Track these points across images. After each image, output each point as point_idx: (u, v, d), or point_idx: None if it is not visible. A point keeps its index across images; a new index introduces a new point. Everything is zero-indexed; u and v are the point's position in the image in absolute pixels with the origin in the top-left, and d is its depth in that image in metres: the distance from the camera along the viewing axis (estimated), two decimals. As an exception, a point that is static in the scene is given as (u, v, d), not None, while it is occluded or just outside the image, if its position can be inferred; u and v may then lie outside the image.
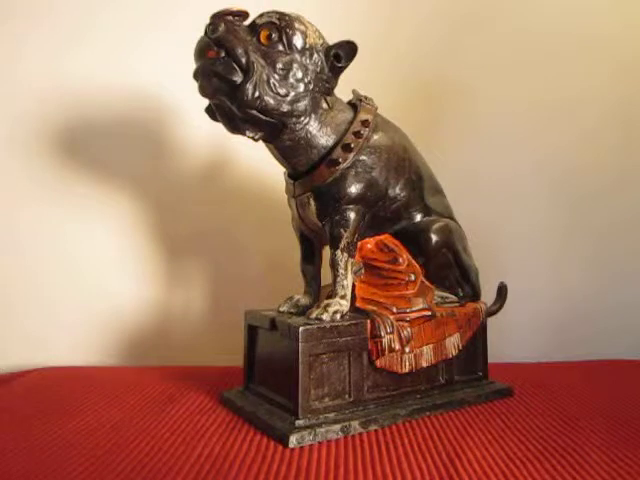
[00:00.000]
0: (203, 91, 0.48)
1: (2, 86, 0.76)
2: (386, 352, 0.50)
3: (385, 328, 0.50)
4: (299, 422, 0.46)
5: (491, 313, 0.62)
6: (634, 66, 0.83)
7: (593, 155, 0.83)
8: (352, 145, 0.51)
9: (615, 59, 0.83)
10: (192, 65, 0.48)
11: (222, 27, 0.45)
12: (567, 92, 0.83)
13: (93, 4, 0.78)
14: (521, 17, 0.84)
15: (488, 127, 0.83)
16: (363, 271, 0.54)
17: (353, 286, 0.53)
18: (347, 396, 0.49)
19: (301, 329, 0.47)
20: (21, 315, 0.75)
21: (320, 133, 0.51)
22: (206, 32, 0.46)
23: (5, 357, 0.73)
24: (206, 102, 0.51)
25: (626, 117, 0.83)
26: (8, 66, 0.76)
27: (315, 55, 0.49)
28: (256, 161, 0.75)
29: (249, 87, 0.45)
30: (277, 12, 0.48)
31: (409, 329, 0.52)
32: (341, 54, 0.50)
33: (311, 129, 0.50)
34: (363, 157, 0.52)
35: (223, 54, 0.46)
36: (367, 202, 0.53)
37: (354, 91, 0.57)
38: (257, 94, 0.46)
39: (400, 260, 0.54)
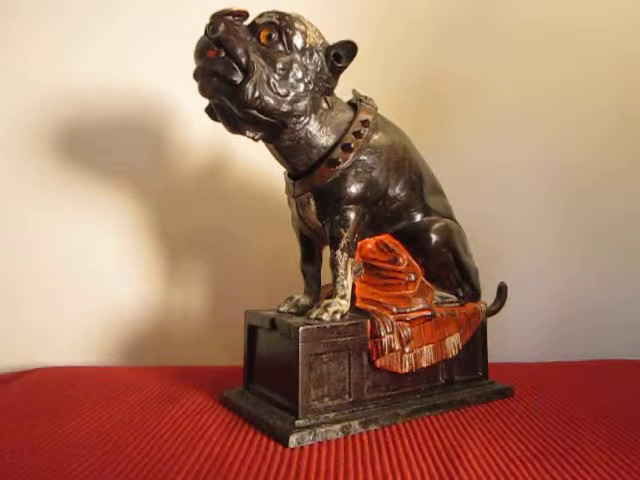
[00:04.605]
0: (203, 91, 0.48)
1: (5, 85, 0.76)
2: (386, 352, 0.50)
3: (385, 328, 0.50)
4: (299, 422, 0.46)
5: (491, 313, 0.62)
6: (631, 62, 0.83)
7: (590, 151, 0.83)
8: (352, 145, 0.51)
9: (612, 55, 0.83)
10: (192, 65, 0.48)
11: (222, 27, 0.45)
12: (564, 88, 0.83)
13: (95, 5, 0.78)
14: (519, 13, 0.84)
15: (486, 124, 0.83)
16: (363, 271, 0.54)
17: (353, 286, 0.53)
18: (347, 396, 0.49)
19: (301, 329, 0.47)
20: (22, 315, 0.75)
21: (320, 133, 0.51)
22: (206, 32, 0.46)
23: (5, 357, 0.73)
24: (206, 102, 0.51)
25: (623, 113, 0.83)
26: (9, 66, 0.76)
27: (315, 55, 0.49)
28: (256, 161, 0.75)
29: (249, 87, 0.45)
30: (277, 12, 0.48)
31: (409, 329, 0.52)
32: (341, 54, 0.50)
33: (311, 129, 0.50)
34: (363, 157, 0.52)
35: (223, 54, 0.46)
36: (367, 202, 0.53)
37: (354, 91, 0.57)
38: (257, 94, 0.46)
39: (400, 260, 0.54)
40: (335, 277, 0.52)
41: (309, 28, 0.49)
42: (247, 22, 0.48)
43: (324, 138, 0.51)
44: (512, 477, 0.38)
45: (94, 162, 0.77)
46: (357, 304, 0.53)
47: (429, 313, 0.54)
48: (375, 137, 0.53)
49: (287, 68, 0.48)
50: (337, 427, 0.47)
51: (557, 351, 0.78)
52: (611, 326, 0.80)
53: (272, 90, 0.47)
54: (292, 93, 0.48)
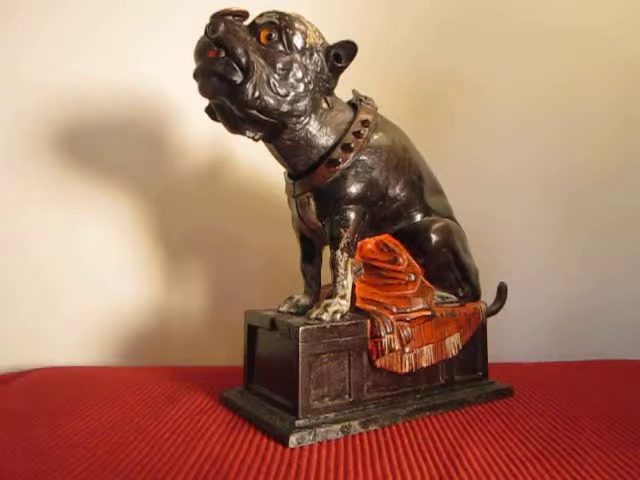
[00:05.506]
0: (203, 91, 0.48)
1: (4, 85, 0.76)
2: (386, 352, 0.50)
3: (385, 328, 0.50)
4: (299, 422, 0.46)
5: (491, 313, 0.62)
6: (632, 63, 0.83)
7: (590, 152, 0.83)
8: (352, 145, 0.51)
9: (612, 56, 0.83)
10: (192, 65, 0.48)
11: (222, 27, 0.45)
12: (564, 88, 0.83)
13: (95, 5, 0.78)
14: (518, 13, 0.84)
15: (487, 124, 0.83)
16: (363, 271, 0.54)
17: (353, 286, 0.53)
18: (347, 396, 0.49)
19: (301, 329, 0.47)
20: (21, 315, 0.75)
21: (320, 133, 0.51)
22: (206, 32, 0.46)
23: (5, 357, 0.73)
24: (206, 102, 0.51)
25: (623, 114, 0.83)
26: (10, 65, 0.76)
27: (315, 55, 0.49)
28: (256, 161, 0.75)
29: (249, 87, 0.45)
30: (277, 12, 0.48)
31: (409, 329, 0.52)
32: (341, 54, 0.50)
33: (311, 129, 0.50)
34: (363, 157, 0.52)
35: (223, 54, 0.46)
36: (367, 202, 0.53)
37: (354, 91, 0.57)
38: (257, 94, 0.46)
39: (400, 260, 0.54)
40: (335, 277, 0.52)
41: (309, 28, 0.49)
42: (247, 22, 0.49)
43: (324, 138, 0.51)
44: (512, 477, 0.38)
45: (94, 161, 0.77)
46: (357, 304, 0.53)
47: (429, 313, 0.54)
48: (375, 137, 0.53)
49: (287, 68, 0.48)
50: (337, 427, 0.47)
51: (557, 351, 0.78)
52: (611, 326, 0.81)
53: (272, 90, 0.47)
54: (292, 93, 0.48)
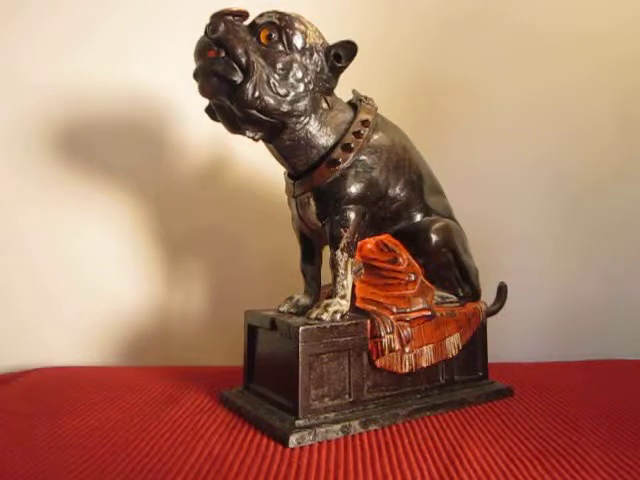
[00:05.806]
0: (203, 91, 0.48)
1: (4, 86, 0.76)
2: (386, 352, 0.50)
3: (385, 328, 0.50)
4: (299, 422, 0.46)
5: (491, 313, 0.62)
6: (632, 63, 0.83)
7: (591, 152, 0.83)
8: (352, 145, 0.51)
9: (613, 56, 0.83)
10: (192, 65, 0.48)
11: (222, 27, 0.45)
12: (565, 89, 0.83)
13: (95, 5, 0.78)
14: (519, 14, 0.84)
15: (487, 124, 0.83)
16: (363, 271, 0.54)
17: (353, 286, 0.53)
18: (347, 396, 0.49)
19: (301, 329, 0.47)
20: (22, 315, 0.75)
21: (320, 133, 0.51)
22: (206, 32, 0.46)
23: (5, 357, 0.73)
24: (206, 102, 0.51)
25: (624, 114, 0.83)
26: (10, 65, 0.76)
27: (315, 55, 0.49)
28: (256, 161, 0.75)
29: (249, 87, 0.45)
30: (277, 12, 0.48)
31: (409, 329, 0.52)
32: (341, 54, 0.50)
33: (311, 129, 0.51)
34: (363, 157, 0.52)
35: (223, 54, 0.46)
36: (367, 202, 0.53)
37: (354, 91, 0.57)
38: (257, 94, 0.46)
39: (400, 260, 0.54)
40: (335, 277, 0.52)
41: (309, 28, 0.49)
42: (247, 22, 0.49)
43: (324, 138, 0.51)
44: (512, 477, 0.38)
45: (94, 162, 0.77)
46: (357, 304, 0.53)
47: (429, 313, 0.54)
48: (375, 137, 0.53)
49: (287, 68, 0.48)
50: (337, 427, 0.47)
51: (557, 351, 0.78)
52: (611, 326, 0.81)
53: (272, 90, 0.47)
54: (292, 93, 0.48)
